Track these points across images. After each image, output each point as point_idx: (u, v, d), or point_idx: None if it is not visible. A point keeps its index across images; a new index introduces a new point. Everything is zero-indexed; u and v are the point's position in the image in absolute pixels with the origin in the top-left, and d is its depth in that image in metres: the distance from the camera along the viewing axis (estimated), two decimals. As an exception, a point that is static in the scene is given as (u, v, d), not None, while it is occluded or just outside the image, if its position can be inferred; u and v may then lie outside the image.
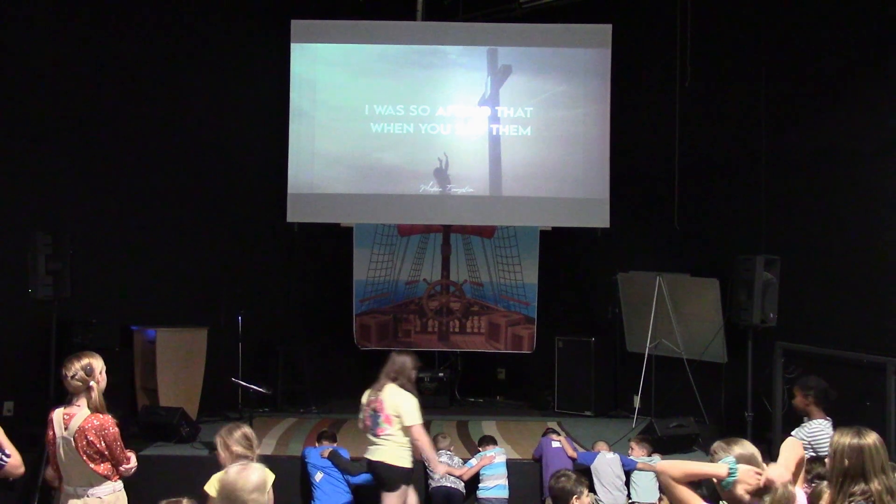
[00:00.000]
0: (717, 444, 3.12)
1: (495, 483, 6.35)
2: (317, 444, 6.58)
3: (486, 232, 9.89)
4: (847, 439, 3.22)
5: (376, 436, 5.40)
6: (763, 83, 7.94)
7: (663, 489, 3.18)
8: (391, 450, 5.35)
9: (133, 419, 7.43)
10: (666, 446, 6.89)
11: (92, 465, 4.06)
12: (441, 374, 9.51)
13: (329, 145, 9.39)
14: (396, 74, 9.47)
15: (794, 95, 7.78)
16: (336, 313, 9.84)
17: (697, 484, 3.11)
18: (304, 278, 9.74)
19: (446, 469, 6.19)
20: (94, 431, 4.06)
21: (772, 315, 7.24)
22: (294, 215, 9.29)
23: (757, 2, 8.16)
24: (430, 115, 9.43)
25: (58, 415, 4.15)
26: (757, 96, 7.98)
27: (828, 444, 4.84)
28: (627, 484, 6.48)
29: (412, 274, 9.93)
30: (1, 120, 7.37)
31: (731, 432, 6.59)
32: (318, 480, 6.12)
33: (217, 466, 4.50)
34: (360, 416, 5.59)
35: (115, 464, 4.16)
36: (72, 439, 4.05)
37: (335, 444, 6.54)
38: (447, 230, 9.91)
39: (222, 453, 3.93)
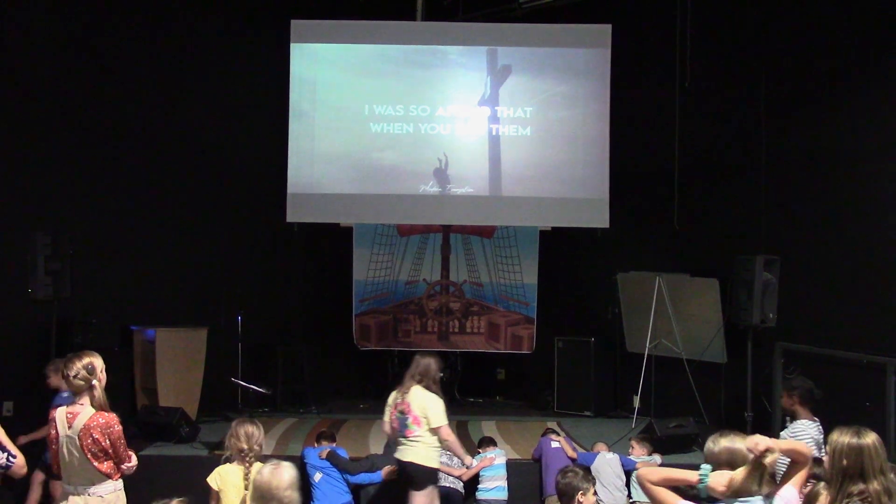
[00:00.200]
0: (710, 437, 3.16)
1: (495, 485, 6.35)
2: (315, 445, 6.57)
3: (485, 232, 9.88)
4: (846, 439, 3.21)
5: (405, 437, 5.45)
6: (763, 83, 7.95)
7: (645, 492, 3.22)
8: (422, 450, 5.42)
9: (132, 419, 7.42)
10: (665, 446, 6.89)
11: (95, 464, 4.07)
12: (441, 374, 9.49)
13: (329, 145, 9.39)
14: (396, 74, 9.47)
15: (794, 95, 7.78)
16: (336, 313, 9.84)
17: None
18: (303, 278, 9.75)
19: (447, 468, 6.21)
20: (99, 429, 4.06)
21: (771, 315, 7.24)
22: (294, 215, 9.29)
23: (757, 2, 8.16)
24: (430, 115, 9.43)
25: (60, 413, 4.14)
26: (757, 96, 7.98)
27: (810, 443, 4.88)
28: (628, 484, 6.48)
29: (412, 274, 9.93)
30: (1, 120, 7.37)
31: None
32: (317, 481, 6.11)
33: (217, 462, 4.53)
34: (385, 418, 5.64)
35: (118, 462, 4.17)
36: (76, 438, 4.05)
37: (334, 445, 6.53)
38: (447, 230, 9.91)
39: (227, 441, 4.38)
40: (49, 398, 5.79)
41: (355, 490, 6.21)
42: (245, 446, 4.38)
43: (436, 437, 5.42)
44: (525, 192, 9.29)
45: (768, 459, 2.99)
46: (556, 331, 9.28)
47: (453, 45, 9.50)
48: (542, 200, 9.29)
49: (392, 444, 5.77)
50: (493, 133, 9.40)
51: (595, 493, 5.94)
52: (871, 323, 6.92)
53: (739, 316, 7.32)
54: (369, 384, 10.16)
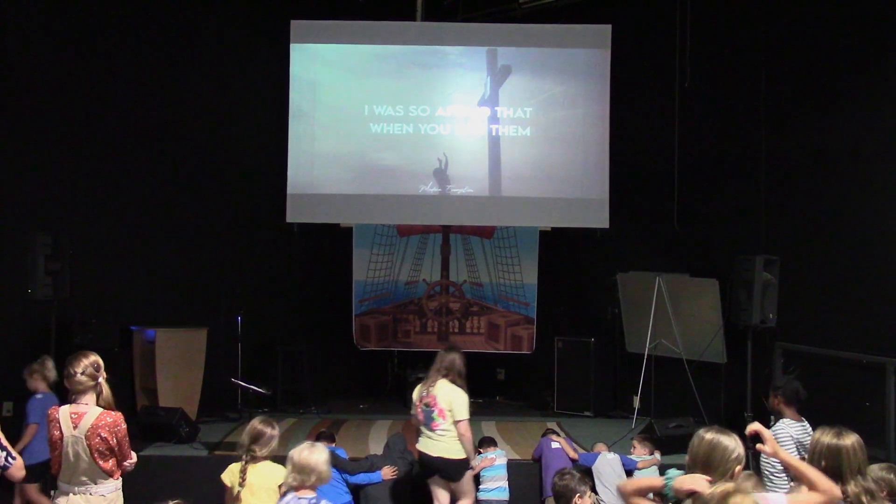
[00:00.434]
0: (696, 433, 3.13)
1: (496, 485, 6.34)
2: (316, 445, 6.56)
3: (485, 232, 9.89)
4: (826, 439, 3.21)
5: (431, 430, 5.55)
6: (762, 84, 7.95)
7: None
8: (450, 444, 5.52)
9: (132, 419, 7.41)
10: (665, 446, 6.89)
11: (101, 463, 4.07)
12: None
13: (329, 146, 9.40)
14: (396, 75, 9.47)
15: (794, 96, 7.78)
16: (335, 314, 9.85)
17: None
18: (303, 279, 9.75)
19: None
20: (107, 428, 4.06)
21: (771, 315, 7.24)
22: (293, 216, 9.30)
23: (756, 2, 8.16)
24: (430, 116, 9.44)
25: (64, 414, 4.11)
26: (756, 97, 7.99)
27: (787, 441, 4.91)
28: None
29: (412, 274, 9.93)
30: (0, 120, 7.36)
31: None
32: (317, 481, 6.10)
33: (224, 461, 4.56)
34: (412, 412, 5.75)
35: (121, 460, 4.17)
36: (83, 438, 4.04)
37: (333, 445, 6.53)
38: (447, 230, 9.91)
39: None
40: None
41: (355, 490, 6.20)
42: (247, 443, 4.52)
43: (455, 429, 5.52)
44: (525, 192, 9.30)
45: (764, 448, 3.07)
46: (556, 331, 9.28)
47: (453, 46, 9.51)
48: (541, 201, 9.29)
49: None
50: (493, 133, 9.41)
51: (596, 493, 5.97)
52: (870, 323, 6.92)
53: (739, 316, 7.32)
54: (369, 384, 10.17)
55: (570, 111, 9.31)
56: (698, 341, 8.15)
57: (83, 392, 4.12)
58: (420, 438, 5.68)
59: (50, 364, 6.13)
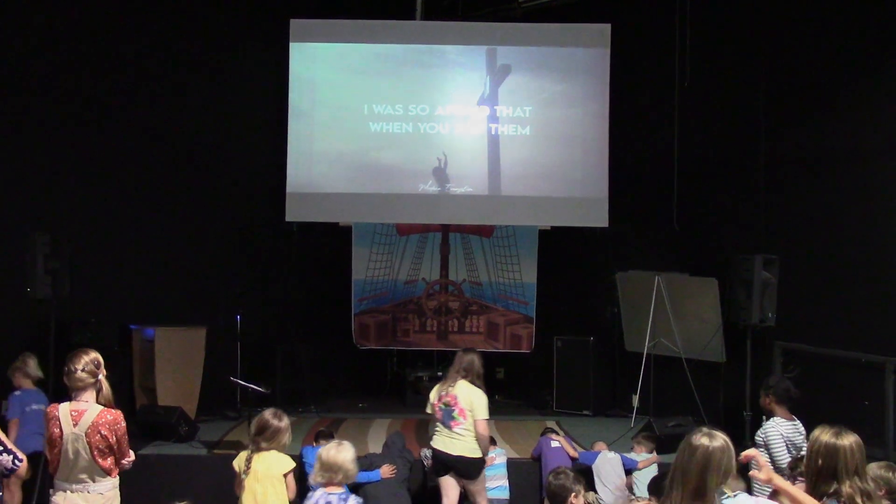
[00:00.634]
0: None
1: (496, 484, 6.34)
2: (314, 444, 6.57)
3: (484, 231, 9.89)
4: (825, 438, 3.20)
5: (450, 429, 5.60)
6: (762, 83, 7.95)
7: None
8: (468, 443, 5.58)
9: (131, 418, 7.40)
10: (664, 445, 6.90)
11: (99, 460, 4.08)
12: (440, 374, 9.49)
13: (328, 145, 9.39)
14: (395, 74, 9.47)
15: (793, 95, 7.78)
16: (335, 313, 9.85)
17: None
18: (302, 278, 9.74)
19: None
20: (108, 426, 4.07)
21: (770, 314, 7.24)
22: (293, 214, 9.29)
23: (756, 2, 8.16)
24: (429, 115, 9.43)
25: (64, 411, 4.11)
26: (756, 96, 7.99)
27: (778, 440, 4.92)
28: (629, 484, 6.48)
29: (411, 273, 9.93)
30: (0, 119, 7.36)
31: (730, 432, 6.59)
32: (316, 480, 6.11)
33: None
34: (429, 409, 5.78)
35: (120, 458, 4.18)
36: (83, 435, 4.05)
37: (333, 444, 6.53)
38: (446, 229, 9.91)
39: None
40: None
41: (354, 489, 6.20)
42: (254, 433, 4.67)
43: (474, 430, 5.59)
44: (524, 191, 9.30)
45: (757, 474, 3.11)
46: (556, 330, 9.28)
47: (452, 45, 9.50)
48: (541, 200, 9.29)
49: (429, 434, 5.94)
50: (493, 132, 9.41)
51: (595, 492, 5.97)
52: (869, 322, 6.93)
53: (738, 315, 7.33)
54: (368, 383, 10.17)
55: (569, 110, 9.30)
56: (697, 340, 8.16)
57: (83, 389, 4.12)
58: (436, 437, 5.70)
59: (31, 361, 6.19)
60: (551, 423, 7.99)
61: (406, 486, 6.31)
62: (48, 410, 4.21)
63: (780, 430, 5.05)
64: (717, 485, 2.77)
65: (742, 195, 8.20)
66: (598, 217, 9.12)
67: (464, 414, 5.59)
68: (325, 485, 4.15)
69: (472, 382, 5.68)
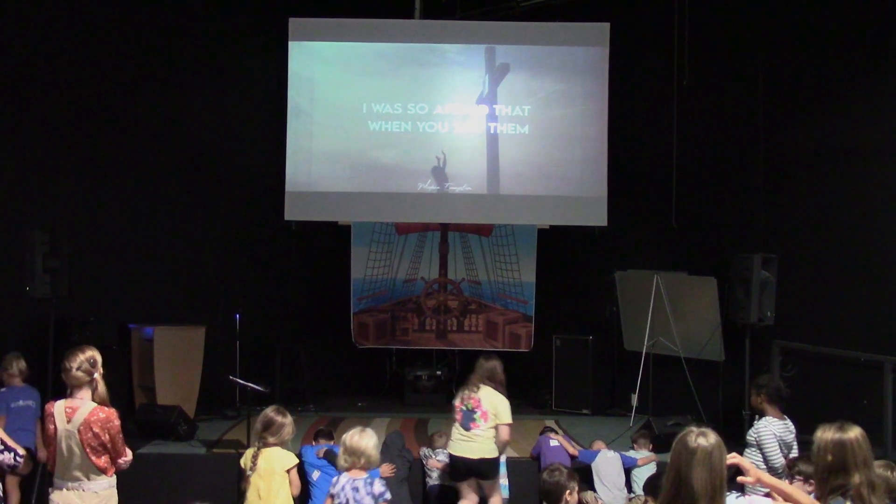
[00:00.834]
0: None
1: (496, 483, 6.35)
2: (313, 443, 6.57)
3: (484, 230, 9.88)
4: (830, 434, 3.21)
5: (468, 430, 5.67)
6: (761, 82, 7.95)
7: None
8: (487, 445, 5.66)
9: (130, 417, 7.42)
10: (664, 444, 6.90)
11: (93, 458, 4.08)
12: (439, 373, 9.52)
13: (327, 143, 9.39)
14: (394, 73, 9.47)
15: (792, 94, 7.78)
16: (334, 312, 9.84)
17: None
18: (301, 276, 9.74)
19: (445, 466, 6.22)
20: (99, 424, 4.07)
21: (769, 313, 7.25)
22: (292, 213, 9.29)
23: (755, 1, 8.16)
24: (428, 114, 9.43)
25: (59, 408, 4.14)
26: (755, 95, 7.99)
27: (771, 439, 4.93)
28: (628, 481, 6.48)
29: (410, 272, 9.93)
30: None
31: (729, 430, 6.61)
32: (315, 479, 6.11)
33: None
34: (454, 415, 5.85)
35: (115, 457, 4.17)
36: (76, 432, 4.05)
37: (331, 443, 6.53)
38: (445, 228, 9.91)
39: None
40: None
41: (354, 488, 6.20)
42: (260, 429, 4.84)
43: (493, 432, 5.67)
44: (523, 190, 9.30)
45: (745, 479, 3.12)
46: (554, 329, 9.27)
47: (451, 44, 9.50)
48: (540, 199, 9.29)
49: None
50: (492, 131, 9.40)
51: (595, 490, 5.97)
52: (868, 321, 6.93)
53: (737, 314, 7.33)
54: (367, 382, 10.16)
55: (568, 109, 9.30)
56: (696, 339, 8.16)
57: (78, 387, 4.13)
58: (454, 442, 5.75)
59: (13, 359, 6.17)
60: (550, 422, 8.00)
61: (406, 485, 6.31)
62: (46, 407, 4.23)
63: (773, 430, 5.06)
64: (721, 483, 2.77)
65: (741, 194, 8.20)
66: (597, 216, 9.12)
67: (486, 417, 5.66)
68: (349, 469, 4.38)
69: (496, 388, 5.76)
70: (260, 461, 4.76)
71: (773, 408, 5.19)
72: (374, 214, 9.53)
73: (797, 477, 4.34)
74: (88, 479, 4.10)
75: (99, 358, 4.19)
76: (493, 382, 5.77)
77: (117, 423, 4.14)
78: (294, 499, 4.87)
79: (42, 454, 5.91)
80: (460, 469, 5.75)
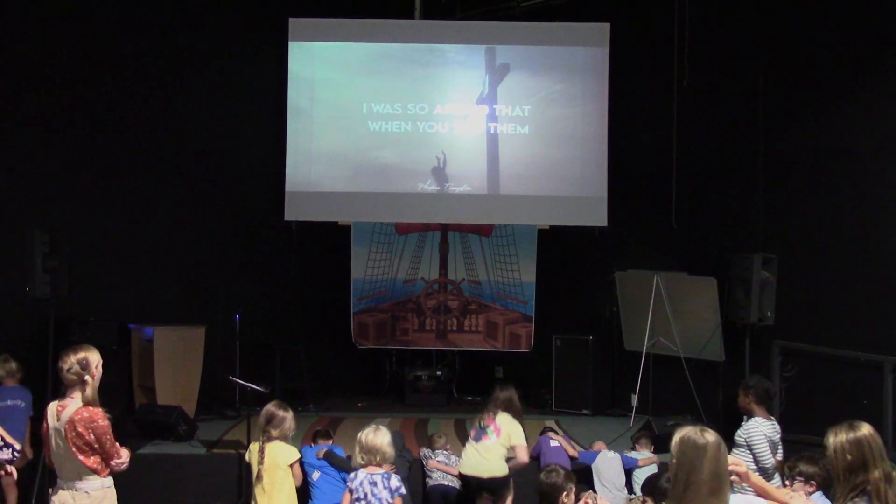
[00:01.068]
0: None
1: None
2: (312, 444, 6.57)
3: (484, 230, 9.88)
4: (843, 435, 3.24)
5: (478, 441, 5.80)
6: (761, 82, 7.95)
7: None
8: (497, 463, 5.76)
9: (130, 417, 7.43)
10: (664, 445, 6.90)
11: (81, 458, 4.06)
12: (439, 373, 9.52)
13: (327, 143, 9.39)
14: (394, 73, 9.46)
15: (792, 94, 7.79)
16: (334, 312, 9.84)
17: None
18: (301, 277, 9.73)
19: (445, 467, 6.23)
20: (83, 423, 4.05)
21: (769, 313, 7.26)
22: (292, 213, 9.29)
23: (755, 1, 8.16)
24: (428, 114, 9.43)
25: (52, 407, 4.19)
26: (755, 95, 7.99)
27: (761, 439, 4.93)
28: (628, 482, 6.48)
29: (410, 272, 9.93)
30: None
31: (729, 430, 6.59)
32: (315, 479, 6.11)
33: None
34: (468, 434, 6.05)
35: (106, 458, 4.14)
36: (62, 430, 4.07)
37: (330, 443, 6.53)
38: (445, 228, 9.91)
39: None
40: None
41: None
42: (263, 424, 5.02)
43: (504, 450, 5.79)
44: (523, 190, 9.30)
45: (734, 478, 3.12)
46: (555, 329, 9.28)
47: (451, 44, 9.50)
48: (540, 199, 9.29)
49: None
50: (492, 131, 9.40)
51: (594, 491, 5.96)
52: (868, 321, 6.94)
53: (737, 314, 7.33)
54: (367, 382, 10.16)
55: (568, 109, 9.30)
56: (696, 339, 8.16)
57: (71, 386, 4.15)
58: (467, 462, 5.83)
59: (4, 361, 6.24)
60: (550, 423, 7.99)
61: (406, 485, 6.30)
62: (46, 406, 4.24)
63: (763, 431, 5.08)
64: (727, 478, 2.82)
65: (741, 194, 8.20)
66: (597, 216, 9.12)
67: (498, 432, 5.76)
68: (366, 466, 4.61)
69: (514, 417, 5.90)
70: (266, 456, 4.91)
71: (760, 408, 5.22)
72: (374, 214, 9.53)
73: (798, 478, 4.34)
74: (80, 478, 4.09)
75: (93, 358, 4.16)
76: (510, 412, 5.89)
77: (102, 423, 4.08)
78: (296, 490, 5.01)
79: (28, 452, 6.01)
80: (472, 487, 5.85)
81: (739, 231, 8.13)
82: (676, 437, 2.87)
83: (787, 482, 4.33)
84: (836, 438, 3.25)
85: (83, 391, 4.12)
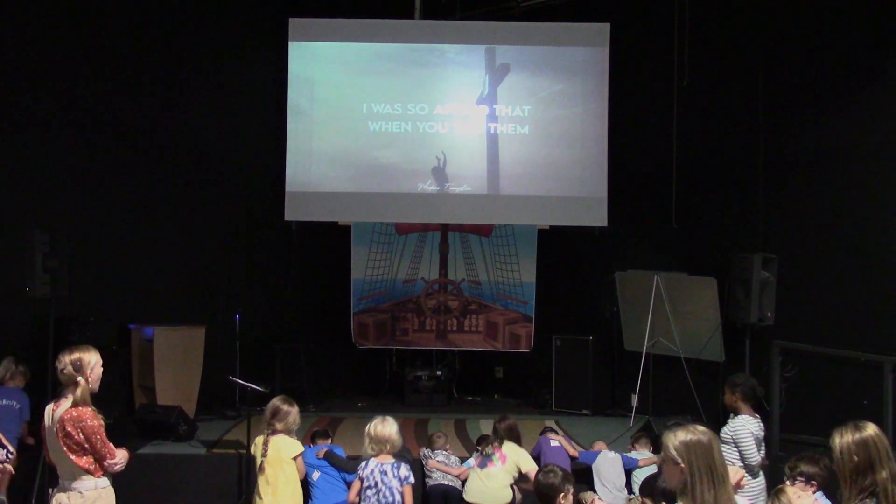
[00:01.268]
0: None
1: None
2: (311, 444, 6.56)
3: (484, 230, 9.88)
4: (849, 436, 3.22)
5: (484, 468, 5.86)
6: (760, 82, 7.95)
7: None
8: (503, 491, 5.80)
9: (130, 417, 7.43)
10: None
11: (73, 457, 4.05)
12: (439, 373, 9.51)
13: (327, 144, 9.39)
14: (394, 73, 9.46)
15: (792, 94, 7.78)
16: (334, 312, 9.84)
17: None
18: (301, 277, 9.74)
19: (445, 467, 6.23)
20: (71, 422, 4.04)
21: (769, 314, 7.25)
22: (292, 214, 9.29)
23: (755, 1, 8.16)
24: (428, 114, 9.43)
25: (49, 407, 4.20)
26: (754, 95, 7.99)
27: (748, 437, 4.94)
28: (628, 482, 6.48)
29: (410, 272, 9.93)
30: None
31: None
32: (315, 479, 6.11)
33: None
34: (473, 462, 6.09)
35: (98, 458, 4.11)
36: (54, 429, 4.07)
37: (329, 443, 6.53)
38: (445, 229, 9.91)
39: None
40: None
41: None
42: (268, 417, 5.22)
43: (510, 477, 5.83)
44: (523, 190, 9.30)
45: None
46: (555, 329, 9.28)
47: (451, 44, 9.50)
48: (540, 199, 9.29)
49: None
50: (492, 131, 9.40)
51: (595, 491, 5.96)
52: (868, 321, 6.93)
53: (737, 314, 7.33)
54: (367, 383, 10.16)
55: (568, 109, 9.30)
56: (696, 340, 8.16)
57: (66, 386, 4.16)
58: (471, 489, 5.87)
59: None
60: (550, 423, 7.99)
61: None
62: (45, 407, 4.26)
63: (750, 428, 5.10)
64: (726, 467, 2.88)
65: (741, 194, 8.20)
66: (597, 216, 9.12)
67: (503, 459, 5.82)
68: (376, 455, 4.87)
69: (518, 446, 5.97)
70: (270, 449, 5.09)
71: (746, 406, 5.24)
72: (374, 214, 9.53)
73: (798, 479, 4.33)
74: (74, 479, 4.08)
75: (88, 358, 4.15)
76: (513, 440, 5.97)
77: (91, 422, 4.05)
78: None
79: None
80: None
81: (739, 231, 8.13)
82: (677, 443, 2.89)
83: (787, 482, 4.32)
84: (842, 440, 3.23)
85: (75, 391, 4.12)
